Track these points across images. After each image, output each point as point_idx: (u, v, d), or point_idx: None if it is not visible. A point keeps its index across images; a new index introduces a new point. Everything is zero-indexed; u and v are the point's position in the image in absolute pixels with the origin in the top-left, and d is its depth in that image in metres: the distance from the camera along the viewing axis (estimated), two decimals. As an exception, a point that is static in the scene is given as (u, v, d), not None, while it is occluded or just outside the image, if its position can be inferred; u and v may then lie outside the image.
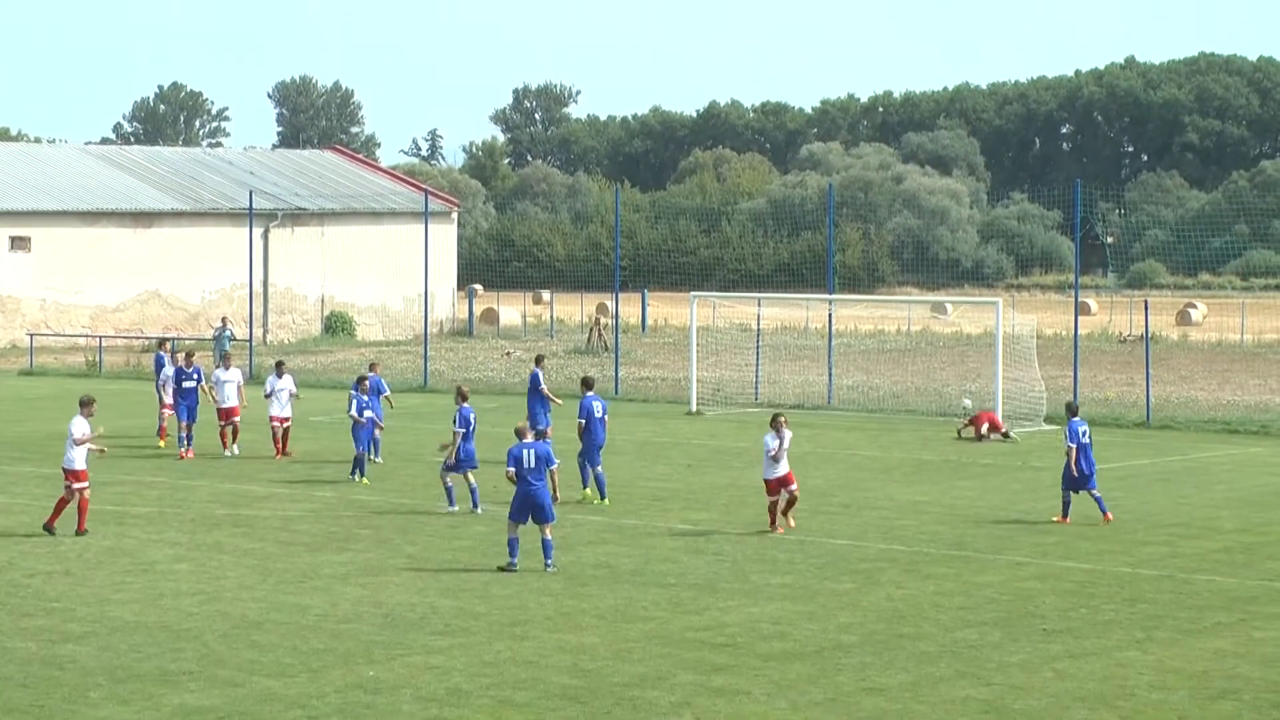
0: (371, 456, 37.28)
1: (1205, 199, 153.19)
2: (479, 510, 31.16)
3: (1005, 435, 43.88)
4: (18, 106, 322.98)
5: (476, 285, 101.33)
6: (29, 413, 50.51)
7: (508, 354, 73.51)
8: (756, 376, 54.96)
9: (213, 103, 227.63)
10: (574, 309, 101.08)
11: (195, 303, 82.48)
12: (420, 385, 58.05)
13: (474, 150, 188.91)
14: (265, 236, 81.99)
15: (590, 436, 32.88)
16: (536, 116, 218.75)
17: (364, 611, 23.30)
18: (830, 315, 59.81)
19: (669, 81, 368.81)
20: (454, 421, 31.48)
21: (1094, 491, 30.98)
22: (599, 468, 32.96)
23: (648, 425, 47.28)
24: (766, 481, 29.86)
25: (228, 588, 24.86)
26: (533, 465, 25.92)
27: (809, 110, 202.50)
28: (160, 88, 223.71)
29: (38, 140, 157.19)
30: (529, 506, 25.93)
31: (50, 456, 35.22)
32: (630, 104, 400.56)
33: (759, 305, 60.58)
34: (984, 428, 43.86)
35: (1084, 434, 30.89)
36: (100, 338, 70.78)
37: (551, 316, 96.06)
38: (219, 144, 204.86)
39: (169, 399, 41.77)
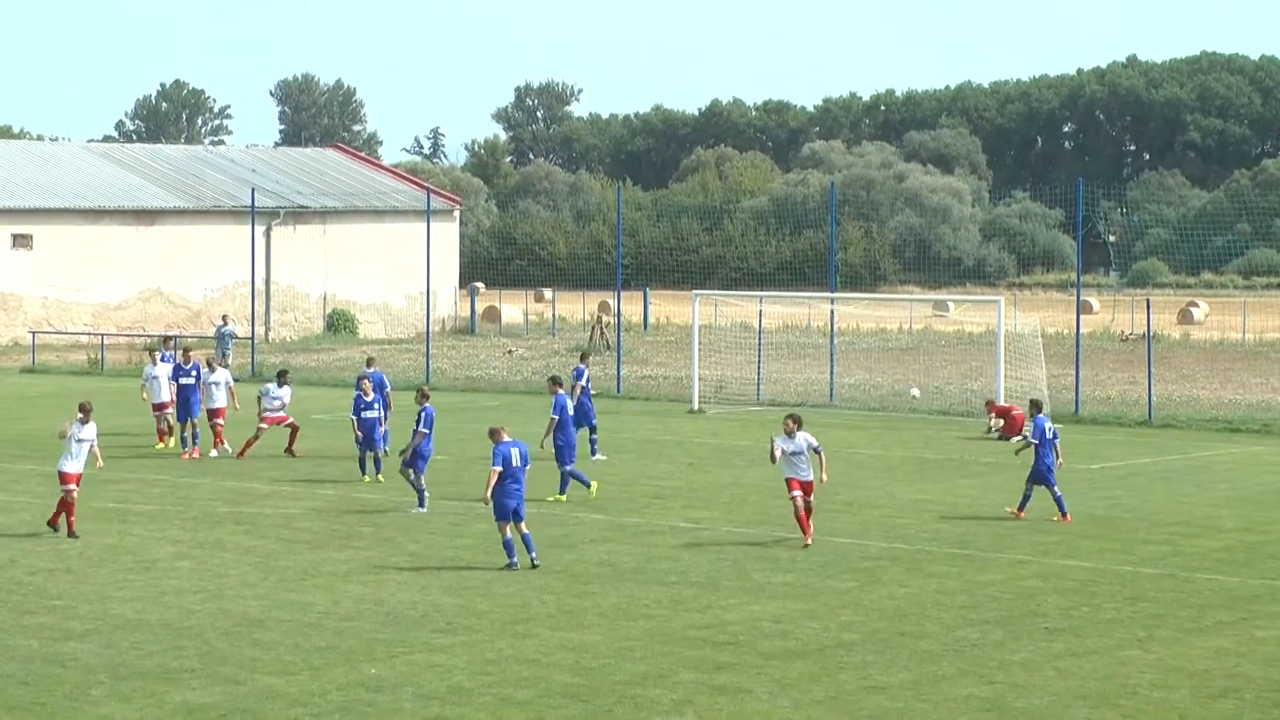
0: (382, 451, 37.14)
1: (1207, 198, 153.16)
2: (424, 509, 31.39)
3: (1025, 440, 42.68)
4: (20, 104, 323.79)
5: (478, 283, 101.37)
6: (31, 410, 50.51)
7: (509, 352, 73.51)
8: (758, 375, 54.97)
9: (215, 100, 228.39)
10: (576, 307, 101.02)
11: (197, 300, 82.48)
12: (422, 383, 57.97)
13: (476, 148, 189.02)
14: (267, 234, 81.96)
15: (564, 434, 33.10)
16: (539, 114, 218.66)
17: (366, 609, 23.30)
18: (832, 314, 59.85)
19: (671, 80, 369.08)
20: (418, 421, 31.79)
21: (1054, 489, 31.01)
22: (570, 466, 33.15)
23: (650, 423, 47.30)
24: (786, 480, 29.28)
25: (230, 585, 24.86)
26: (517, 464, 26.05)
27: (811, 109, 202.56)
28: (162, 85, 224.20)
29: (40, 138, 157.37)
30: (513, 504, 26.01)
31: (52, 455, 35.17)
32: (632, 102, 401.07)
33: (761, 303, 60.53)
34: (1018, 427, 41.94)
35: (1050, 431, 31.01)
36: (102, 335, 70.78)
37: (554, 315, 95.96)
38: (221, 142, 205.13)
39: (156, 398, 41.42)
